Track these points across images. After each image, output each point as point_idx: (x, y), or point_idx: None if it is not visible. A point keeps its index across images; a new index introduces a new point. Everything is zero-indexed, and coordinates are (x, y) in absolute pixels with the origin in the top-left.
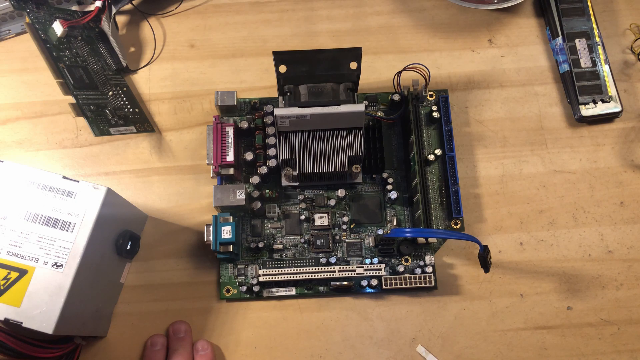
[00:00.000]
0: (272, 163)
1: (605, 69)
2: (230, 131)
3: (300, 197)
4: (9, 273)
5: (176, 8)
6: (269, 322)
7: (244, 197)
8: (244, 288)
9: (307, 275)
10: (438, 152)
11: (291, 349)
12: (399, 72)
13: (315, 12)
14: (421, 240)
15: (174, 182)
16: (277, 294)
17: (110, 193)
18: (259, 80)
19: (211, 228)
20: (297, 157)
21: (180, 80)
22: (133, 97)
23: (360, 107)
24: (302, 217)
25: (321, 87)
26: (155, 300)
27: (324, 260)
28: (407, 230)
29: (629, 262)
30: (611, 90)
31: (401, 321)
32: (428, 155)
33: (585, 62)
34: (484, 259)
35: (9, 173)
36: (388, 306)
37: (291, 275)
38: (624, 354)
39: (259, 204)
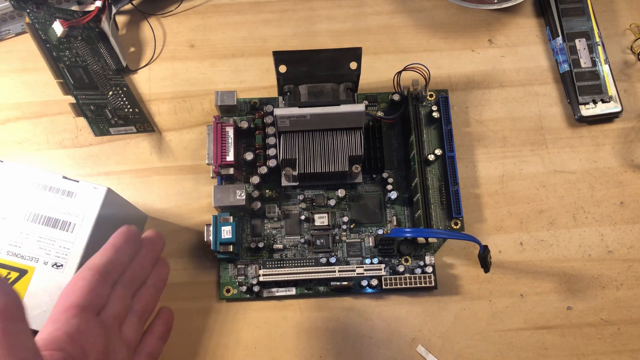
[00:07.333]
0: (272, 163)
1: (605, 69)
2: (230, 131)
3: (300, 197)
4: (9, 273)
5: (176, 8)
6: (269, 322)
7: (244, 197)
8: (244, 288)
9: (307, 275)
10: (438, 152)
11: (291, 349)
12: (399, 72)
13: (315, 12)
14: (421, 240)
15: (174, 182)
16: (277, 294)
17: (110, 193)
18: (259, 80)
19: (211, 228)
20: (297, 157)
21: (180, 80)
22: (133, 97)
23: (360, 107)
24: (302, 217)
25: (321, 87)
26: None
27: (324, 260)
28: (407, 230)
29: (629, 262)
30: (611, 90)
31: (401, 321)
32: (428, 155)
33: (585, 62)
34: (484, 259)
35: (9, 173)
36: (388, 306)
37: (291, 275)
38: (624, 354)
39: (259, 204)
